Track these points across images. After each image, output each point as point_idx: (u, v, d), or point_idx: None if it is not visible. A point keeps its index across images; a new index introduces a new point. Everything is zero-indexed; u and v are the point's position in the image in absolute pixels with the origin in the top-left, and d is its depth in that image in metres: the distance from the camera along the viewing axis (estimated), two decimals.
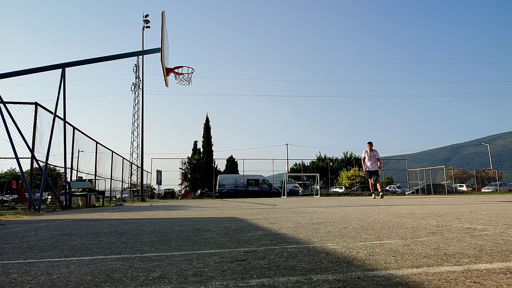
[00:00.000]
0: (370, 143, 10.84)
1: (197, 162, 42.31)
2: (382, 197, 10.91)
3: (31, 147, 7.45)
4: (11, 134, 6.98)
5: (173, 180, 43.62)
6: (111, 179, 15.83)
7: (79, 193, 9.90)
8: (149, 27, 26.98)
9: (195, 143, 47.93)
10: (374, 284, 0.98)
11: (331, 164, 42.92)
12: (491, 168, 47.08)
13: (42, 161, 7.69)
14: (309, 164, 45.54)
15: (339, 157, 48.17)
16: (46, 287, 1.03)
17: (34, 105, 7.79)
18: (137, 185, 24.89)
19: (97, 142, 13.51)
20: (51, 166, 9.61)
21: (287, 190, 24.70)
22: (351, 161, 41.79)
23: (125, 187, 21.87)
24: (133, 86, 36.11)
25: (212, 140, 48.28)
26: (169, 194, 35.41)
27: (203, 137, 48.16)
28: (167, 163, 31.22)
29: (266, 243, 1.80)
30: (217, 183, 30.28)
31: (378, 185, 11.00)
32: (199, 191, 33.41)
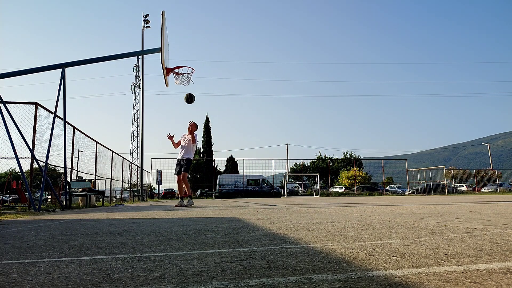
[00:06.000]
0: (196, 125, 7.66)
1: (197, 162, 42.31)
2: (183, 204, 7.17)
3: (31, 147, 7.45)
4: (11, 134, 6.97)
5: (173, 180, 43.58)
6: (111, 179, 15.83)
7: (79, 193, 9.90)
8: (149, 27, 26.98)
9: None
10: (374, 284, 0.98)
11: (331, 164, 42.91)
12: (491, 168, 47.07)
13: (42, 161, 7.69)
14: (309, 164, 45.53)
15: (339, 157, 48.16)
16: (46, 287, 1.03)
17: (34, 105, 7.79)
18: (137, 185, 24.89)
19: (97, 142, 13.51)
20: (51, 166, 9.61)
21: (287, 190, 24.71)
22: (351, 161, 41.77)
23: (125, 187, 21.87)
24: (133, 86, 36.11)
25: (212, 140, 48.31)
26: (169, 194, 35.42)
27: (203, 137, 48.17)
28: (167, 163, 31.21)
29: (266, 243, 1.80)
30: (217, 183, 30.28)
31: (186, 185, 7.28)
32: (199, 191, 33.41)
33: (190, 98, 7.52)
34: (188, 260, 1.39)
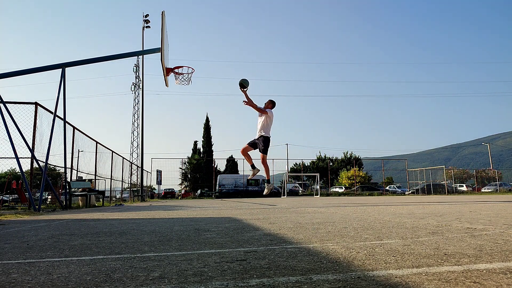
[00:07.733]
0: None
1: (197, 162, 42.28)
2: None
3: (31, 147, 7.44)
4: (11, 134, 6.97)
5: (173, 180, 43.64)
6: (111, 179, 15.82)
7: (79, 193, 9.90)
8: (149, 27, 26.97)
9: (195, 143, 47.92)
10: (374, 284, 0.98)
11: (331, 164, 42.90)
12: (491, 168, 47.05)
13: (42, 161, 7.69)
14: (309, 164, 45.53)
15: (339, 157, 48.13)
16: (46, 287, 1.03)
17: (34, 105, 7.79)
18: (137, 185, 24.89)
19: (97, 142, 13.50)
20: (51, 166, 9.61)
21: (287, 190, 24.71)
22: (351, 161, 41.77)
23: (125, 187, 21.87)
24: (133, 86, 36.11)
25: (212, 140, 48.28)
26: (169, 194, 35.44)
27: (203, 137, 48.15)
28: (167, 163, 31.24)
29: (266, 243, 1.80)
30: (217, 183, 30.28)
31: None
32: (199, 191, 33.40)
33: (243, 84, 6.39)
34: (188, 260, 1.39)
